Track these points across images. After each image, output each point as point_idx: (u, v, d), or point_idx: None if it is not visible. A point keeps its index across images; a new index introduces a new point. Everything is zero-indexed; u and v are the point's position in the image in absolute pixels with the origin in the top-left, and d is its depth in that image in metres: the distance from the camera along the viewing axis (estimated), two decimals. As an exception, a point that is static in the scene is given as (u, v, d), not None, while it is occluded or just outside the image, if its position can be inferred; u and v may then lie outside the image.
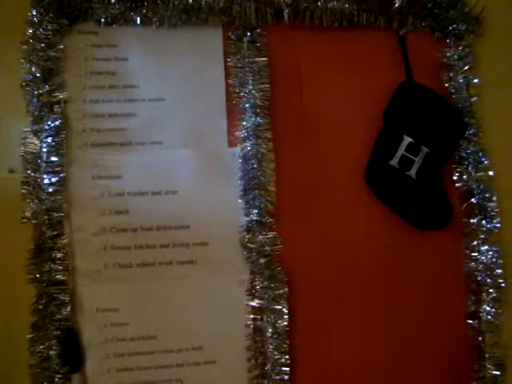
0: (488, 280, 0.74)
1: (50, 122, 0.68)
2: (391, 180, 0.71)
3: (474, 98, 0.76)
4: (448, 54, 0.76)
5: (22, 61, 0.68)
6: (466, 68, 0.76)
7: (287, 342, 0.68)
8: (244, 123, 0.70)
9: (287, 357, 0.68)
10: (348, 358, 0.70)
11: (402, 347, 0.72)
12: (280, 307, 0.67)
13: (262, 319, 0.68)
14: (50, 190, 0.67)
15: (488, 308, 0.74)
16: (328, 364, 0.70)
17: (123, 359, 0.67)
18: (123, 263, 0.68)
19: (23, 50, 0.68)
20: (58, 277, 0.66)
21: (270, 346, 0.68)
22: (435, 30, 0.76)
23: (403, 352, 0.72)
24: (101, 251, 0.68)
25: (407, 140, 0.71)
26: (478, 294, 0.74)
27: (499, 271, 0.74)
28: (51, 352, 0.66)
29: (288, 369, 0.68)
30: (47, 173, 0.67)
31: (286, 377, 0.68)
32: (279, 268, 0.68)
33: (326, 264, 0.71)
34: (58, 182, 0.67)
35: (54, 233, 0.67)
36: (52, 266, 0.67)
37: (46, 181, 0.67)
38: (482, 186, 0.75)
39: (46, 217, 0.66)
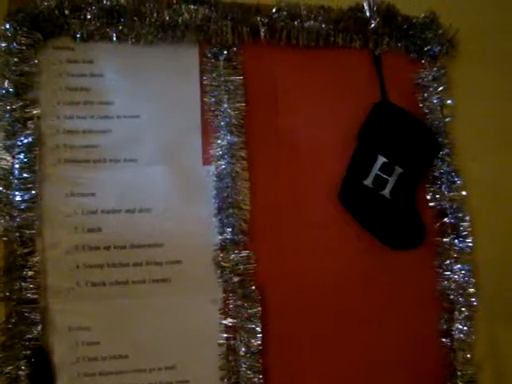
0: (460, 299, 0.75)
1: (22, 138, 0.67)
2: (365, 199, 0.71)
3: (448, 119, 0.77)
4: (423, 75, 0.77)
5: (-5, 75, 0.66)
6: (441, 89, 0.77)
7: (260, 361, 0.68)
8: (219, 141, 0.70)
9: (261, 376, 0.68)
10: (322, 375, 0.69)
11: (376, 364, 0.72)
12: (253, 326, 0.68)
13: (235, 338, 0.68)
14: (22, 206, 0.66)
15: (460, 326, 0.75)
16: (302, 382, 0.69)
17: (95, 379, 0.67)
18: (96, 281, 0.67)
19: (-5, 63, 0.66)
20: (28, 295, 0.65)
21: (244, 365, 0.67)
22: (410, 50, 0.77)
23: (377, 369, 0.73)
24: (73, 269, 0.67)
25: (381, 160, 0.71)
26: (450, 312, 0.75)
27: (471, 290, 0.74)
28: (20, 372, 0.65)
29: (262, 386, 0.67)
30: (19, 189, 0.67)
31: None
32: (252, 287, 0.68)
33: (300, 283, 0.71)
34: (30, 198, 0.67)
35: (26, 250, 0.66)
36: (23, 284, 0.66)
37: (18, 198, 0.66)
38: (454, 206, 0.76)
39: (17, 234, 0.66)
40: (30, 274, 0.66)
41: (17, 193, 0.66)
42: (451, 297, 0.74)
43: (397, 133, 0.72)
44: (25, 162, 0.67)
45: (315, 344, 0.70)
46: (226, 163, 0.69)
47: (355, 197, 0.71)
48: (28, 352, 0.66)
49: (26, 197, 0.66)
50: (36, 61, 0.69)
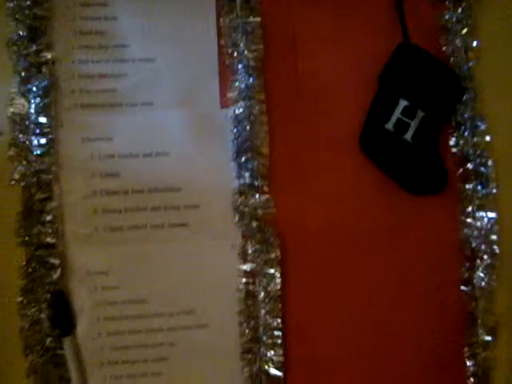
0: (483, 246, 0.73)
1: (37, 83, 0.66)
2: (386, 144, 0.70)
3: (473, 62, 0.74)
4: (446, 17, 0.74)
5: (7, 19, 0.65)
6: (465, 31, 0.74)
7: (279, 305, 0.67)
8: (236, 84, 0.68)
9: (279, 320, 0.67)
10: (341, 320, 0.69)
11: (396, 311, 0.71)
12: (272, 271, 0.67)
13: (254, 283, 0.67)
14: (39, 151, 0.65)
15: (482, 274, 0.73)
16: (321, 327, 0.69)
17: (114, 323, 0.67)
18: (114, 226, 0.66)
19: (8, 7, 0.65)
20: (47, 240, 0.65)
21: (263, 310, 0.67)
22: (433, -9, 0.74)
23: (396, 316, 0.71)
24: (91, 214, 0.66)
25: (403, 103, 0.70)
26: (472, 260, 0.74)
27: (494, 237, 0.73)
28: (42, 315, 0.65)
29: (280, 333, 0.67)
30: (35, 134, 0.66)
31: (279, 341, 0.67)
32: (271, 231, 0.67)
33: (319, 228, 0.70)
34: (46, 143, 0.66)
35: (43, 195, 0.66)
36: (41, 228, 0.65)
37: (35, 142, 0.66)
38: (478, 151, 0.74)
39: (34, 179, 0.65)
40: (48, 218, 0.65)
41: (33, 138, 0.66)
42: (473, 244, 0.73)
43: (419, 76, 0.70)
44: (40, 107, 0.66)
45: (335, 288, 0.70)
46: (243, 106, 0.68)
47: (376, 141, 0.70)
48: (48, 296, 0.65)
49: (42, 141, 0.66)
50: (49, 4, 0.67)
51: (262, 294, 0.66)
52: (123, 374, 0.67)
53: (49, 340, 0.66)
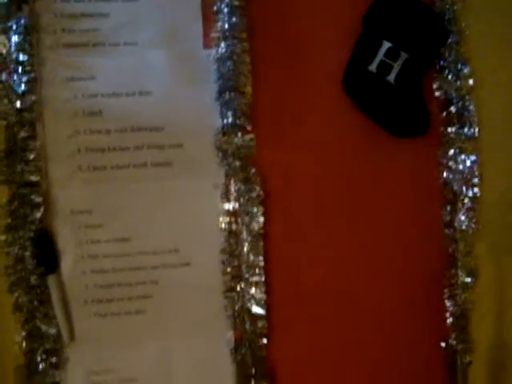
0: (464, 189, 0.73)
1: (18, 21, 0.65)
2: (369, 85, 0.70)
3: (457, 5, 0.74)
4: (431, -40, 0.73)
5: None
6: (450, -26, 0.73)
7: (262, 243, 0.67)
8: (220, 24, 0.68)
9: (261, 258, 0.67)
10: (324, 257, 0.70)
11: (378, 251, 0.72)
12: (255, 209, 0.67)
13: (236, 222, 0.68)
14: (21, 90, 0.65)
15: (463, 217, 0.74)
16: (304, 264, 0.70)
17: (98, 261, 0.67)
18: (97, 165, 0.67)
19: None
20: (30, 178, 0.65)
21: (245, 249, 0.67)
22: None
23: (378, 256, 0.72)
24: (74, 153, 0.67)
25: (386, 45, 0.70)
26: (453, 203, 0.74)
27: (476, 180, 0.73)
28: (26, 253, 0.65)
29: (263, 271, 0.67)
30: (17, 73, 0.65)
31: (261, 278, 0.68)
32: (254, 170, 0.67)
33: (301, 168, 0.70)
34: (28, 81, 0.65)
35: (26, 134, 0.66)
36: (24, 167, 0.66)
37: (17, 81, 0.65)
38: (461, 95, 0.73)
39: (17, 118, 0.65)
40: (31, 157, 0.65)
41: (15, 76, 0.65)
42: (455, 188, 0.74)
43: (403, 18, 0.70)
44: (21, 45, 0.66)
45: (317, 226, 0.70)
46: (226, 46, 0.68)
47: (359, 82, 0.70)
48: (32, 234, 0.65)
49: (24, 80, 0.65)
50: None
51: (245, 232, 0.67)
52: (107, 312, 0.68)
53: (33, 278, 0.66)
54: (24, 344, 0.67)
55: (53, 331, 0.67)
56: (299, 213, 0.70)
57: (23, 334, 0.67)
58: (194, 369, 0.69)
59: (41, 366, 0.67)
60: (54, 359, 0.68)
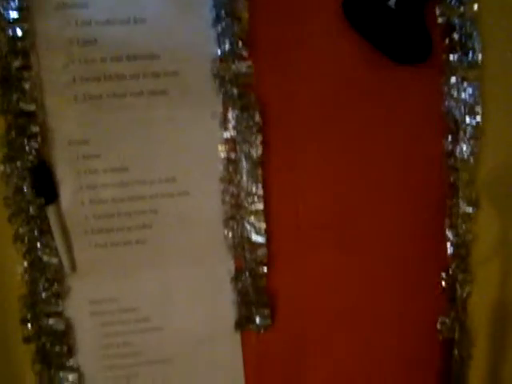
0: (466, 118, 0.72)
1: None
2: (369, 10, 0.67)
3: None
4: None
5: None
6: None
7: (261, 172, 0.66)
8: None
9: (261, 186, 0.66)
10: (323, 185, 0.70)
11: (379, 179, 0.72)
12: (254, 137, 0.66)
13: (235, 150, 0.67)
14: (12, 17, 0.63)
15: (465, 147, 0.73)
16: (303, 192, 0.70)
17: (96, 191, 0.67)
18: (93, 94, 0.66)
19: None
20: (26, 108, 0.64)
21: (244, 177, 0.67)
22: None
23: (379, 184, 0.72)
24: (70, 83, 0.66)
25: (387, -33, 0.67)
26: (455, 132, 0.73)
27: (478, 109, 0.72)
28: (24, 184, 0.65)
29: (262, 199, 0.67)
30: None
31: (261, 206, 0.67)
32: (252, 98, 0.66)
33: (300, 95, 0.69)
34: (19, 9, 0.64)
35: (21, 63, 0.64)
36: (20, 96, 0.64)
37: (7, 8, 0.63)
38: (464, 21, 0.71)
39: (10, 46, 0.63)
40: (26, 87, 0.64)
41: (5, 3, 0.63)
42: (456, 116, 0.72)
43: None
44: (11, -29, 0.63)
45: (317, 154, 0.70)
46: (221, -30, 0.65)
47: (359, 7, 0.68)
48: (30, 164, 0.65)
49: (13, 6, 0.64)
50: None
51: (244, 160, 0.67)
52: (107, 242, 0.68)
53: (32, 208, 0.65)
54: (26, 274, 0.66)
55: (54, 261, 0.67)
56: (298, 141, 0.69)
57: (25, 264, 0.66)
58: (195, 298, 0.70)
59: (43, 295, 0.67)
60: (56, 289, 0.67)
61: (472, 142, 0.72)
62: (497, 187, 0.75)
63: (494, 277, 0.76)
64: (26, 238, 0.66)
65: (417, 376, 0.77)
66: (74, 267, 0.67)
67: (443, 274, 0.75)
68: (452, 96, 0.72)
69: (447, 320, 0.76)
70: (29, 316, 0.68)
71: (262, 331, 0.71)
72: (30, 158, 0.65)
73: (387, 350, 0.75)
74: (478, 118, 0.72)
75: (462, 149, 0.72)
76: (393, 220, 0.72)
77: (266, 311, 0.70)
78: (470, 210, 0.73)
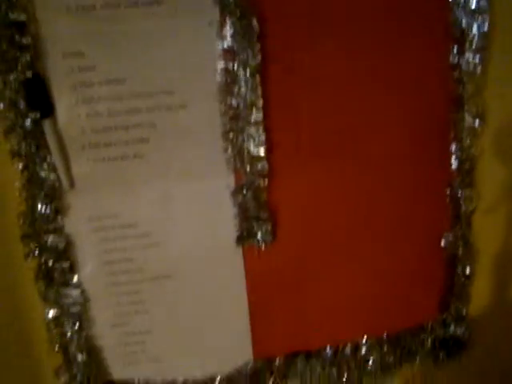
0: (473, 27, 0.69)
1: None
2: None
3: None
4: None
5: None
6: None
7: (259, 81, 0.64)
8: None
9: (260, 95, 0.65)
10: (325, 99, 0.69)
11: (383, 97, 0.69)
12: (252, 46, 0.64)
13: (233, 60, 0.65)
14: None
15: (471, 57, 0.70)
16: (303, 102, 0.67)
17: (93, 105, 0.67)
18: (86, 4, 0.65)
19: None
20: (17, 17, 0.62)
21: (243, 88, 0.65)
22: None
23: (383, 101, 0.69)
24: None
25: None
26: (461, 43, 0.70)
27: (485, 17, 0.69)
28: (19, 97, 0.63)
29: (261, 110, 0.65)
30: None
31: (260, 117, 0.66)
32: (250, 5, 0.63)
33: (301, 4, 0.65)
34: None
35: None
36: (9, 5, 0.62)
37: None
38: None
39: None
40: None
41: None
42: (463, 26, 0.69)
43: None
44: None
45: (314, 63, 0.66)
46: None
47: None
48: (24, 77, 0.63)
49: None
50: None
51: (242, 70, 0.64)
52: (105, 157, 0.67)
53: (28, 122, 0.64)
54: (24, 191, 0.66)
55: (52, 177, 0.66)
56: (298, 49, 0.66)
57: (23, 180, 0.65)
58: (195, 213, 0.69)
59: (43, 211, 0.66)
60: (55, 206, 0.67)
61: (479, 52, 0.69)
62: (503, 101, 0.72)
63: (499, 193, 0.74)
64: (23, 154, 0.64)
65: (419, 293, 0.77)
66: (72, 183, 0.67)
67: (447, 190, 0.73)
68: (458, 5, 0.69)
69: (451, 236, 0.74)
70: (29, 233, 0.66)
71: (263, 246, 0.70)
72: (23, 70, 0.62)
73: (390, 267, 0.75)
74: (486, 27, 0.69)
75: (467, 60, 0.70)
76: (396, 134, 0.71)
77: (268, 226, 0.69)
78: (475, 123, 0.71)
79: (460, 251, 0.77)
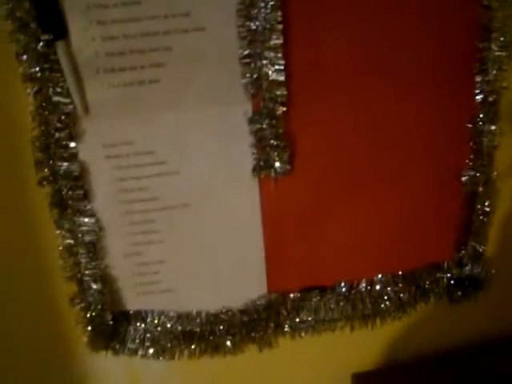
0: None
1: None
2: None
3: None
4: None
5: None
6: None
7: (280, 2, 0.61)
8: None
9: (280, 18, 0.62)
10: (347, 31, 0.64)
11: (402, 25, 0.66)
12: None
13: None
14: None
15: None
16: (324, 23, 0.64)
17: (107, 27, 0.63)
18: None
19: None
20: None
21: (262, 10, 0.63)
22: None
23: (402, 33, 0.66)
24: None
25: None
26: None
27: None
28: (30, 18, 0.61)
29: (281, 32, 0.62)
30: None
31: (279, 41, 0.64)
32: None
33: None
34: None
35: None
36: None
37: None
38: None
39: None
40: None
41: None
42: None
43: None
44: None
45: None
46: None
47: None
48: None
49: None
50: None
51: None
52: (120, 82, 0.65)
53: (41, 45, 0.62)
54: (37, 115, 0.64)
55: (66, 102, 0.64)
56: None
57: (36, 105, 0.64)
58: (211, 141, 0.68)
59: (56, 137, 0.65)
60: (69, 131, 0.65)
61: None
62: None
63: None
64: (36, 78, 0.62)
65: (436, 230, 0.75)
66: (86, 109, 0.65)
67: (470, 124, 0.70)
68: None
69: (472, 172, 0.72)
70: (43, 159, 0.65)
71: (280, 176, 0.68)
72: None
73: (407, 203, 0.73)
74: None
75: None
76: (419, 63, 0.68)
77: (285, 155, 0.68)
78: (503, 54, 0.68)
79: (480, 188, 0.75)
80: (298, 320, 0.77)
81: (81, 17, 0.63)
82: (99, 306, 0.73)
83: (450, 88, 0.70)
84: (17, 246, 0.71)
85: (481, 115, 0.72)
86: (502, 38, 0.69)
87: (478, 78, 0.70)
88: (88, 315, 0.72)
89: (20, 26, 0.62)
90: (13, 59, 0.63)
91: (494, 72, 0.70)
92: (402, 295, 0.78)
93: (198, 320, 0.76)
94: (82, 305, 0.73)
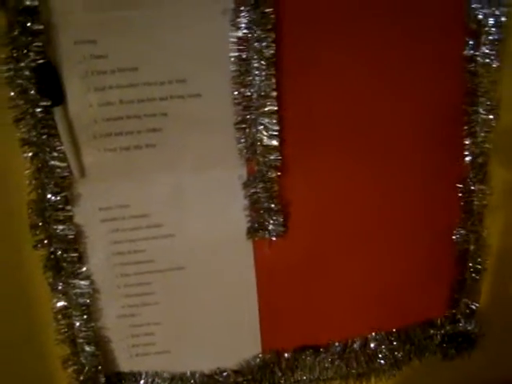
0: (490, 20, 0.68)
1: None
2: None
3: None
4: None
5: None
6: None
7: (274, 71, 0.64)
8: None
9: (274, 85, 0.64)
10: (337, 88, 0.67)
11: (393, 85, 0.68)
12: (266, 36, 0.63)
13: (247, 49, 0.63)
14: None
15: (487, 50, 0.69)
16: (317, 94, 0.66)
17: (105, 93, 0.66)
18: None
19: None
20: (29, 3, 0.61)
21: (257, 78, 0.64)
22: None
23: (393, 89, 0.68)
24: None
25: None
26: (477, 36, 0.69)
27: (504, 10, 0.67)
28: (29, 84, 0.62)
29: (275, 100, 0.64)
30: None
31: (273, 107, 0.65)
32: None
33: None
34: None
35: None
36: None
37: None
38: None
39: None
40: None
41: None
42: (479, 16, 0.68)
43: None
44: None
45: (332, 56, 0.66)
46: None
47: None
48: (34, 64, 0.62)
49: None
50: None
51: (256, 60, 0.63)
52: (117, 147, 0.66)
53: (39, 110, 0.63)
54: (34, 179, 0.65)
55: (62, 166, 0.65)
56: (312, 39, 0.65)
57: (32, 169, 0.64)
58: (206, 204, 0.69)
59: (52, 201, 0.66)
60: (65, 195, 0.66)
61: (495, 46, 0.68)
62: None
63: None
64: (33, 142, 0.63)
65: (429, 288, 0.76)
66: (82, 173, 0.66)
67: (460, 185, 0.72)
68: (475, -4, 0.67)
69: (463, 231, 0.73)
70: (38, 222, 0.65)
71: (274, 238, 0.69)
72: (35, 57, 0.61)
73: (400, 262, 0.74)
74: (503, 18, 0.68)
75: (483, 52, 0.69)
76: (409, 127, 0.70)
77: (279, 218, 0.68)
78: (490, 117, 0.70)
79: (471, 246, 0.76)
80: (292, 380, 0.77)
81: (79, 83, 0.64)
82: (92, 368, 0.72)
83: (441, 150, 0.72)
84: (9, 309, 0.70)
85: (471, 175, 0.72)
86: (488, 103, 0.70)
87: (467, 141, 0.71)
88: (81, 378, 0.71)
89: (20, 93, 0.63)
90: (11, 124, 0.63)
91: (483, 134, 0.71)
92: (396, 353, 0.78)
93: (191, 381, 0.75)
94: (75, 367, 0.72)
